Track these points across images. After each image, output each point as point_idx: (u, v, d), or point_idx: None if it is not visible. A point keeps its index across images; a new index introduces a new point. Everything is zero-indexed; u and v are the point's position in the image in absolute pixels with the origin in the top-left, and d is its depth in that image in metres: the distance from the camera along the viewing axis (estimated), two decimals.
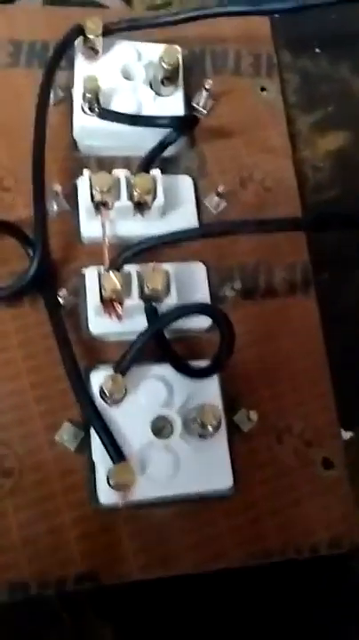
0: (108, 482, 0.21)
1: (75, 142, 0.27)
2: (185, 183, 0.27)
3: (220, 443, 0.22)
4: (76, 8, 0.30)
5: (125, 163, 0.27)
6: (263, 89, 0.30)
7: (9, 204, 0.25)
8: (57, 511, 0.22)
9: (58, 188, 0.24)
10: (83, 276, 0.24)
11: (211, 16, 0.26)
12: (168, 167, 0.27)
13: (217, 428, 0.21)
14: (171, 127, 0.25)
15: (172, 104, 0.27)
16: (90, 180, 0.24)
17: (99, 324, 0.23)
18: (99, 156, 0.27)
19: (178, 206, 0.26)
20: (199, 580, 0.22)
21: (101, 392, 0.22)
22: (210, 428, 0.21)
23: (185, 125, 0.25)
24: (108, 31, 0.26)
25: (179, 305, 0.23)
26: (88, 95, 0.25)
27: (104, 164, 0.27)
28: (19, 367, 0.23)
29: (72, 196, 0.25)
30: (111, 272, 0.22)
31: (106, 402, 0.22)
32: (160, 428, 0.22)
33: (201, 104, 0.28)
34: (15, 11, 0.29)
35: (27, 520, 0.21)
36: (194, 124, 0.26)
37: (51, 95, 0.26)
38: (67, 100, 0.27)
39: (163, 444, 0.21)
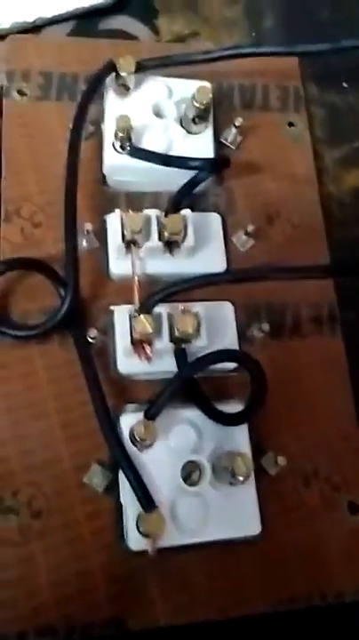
0: (138, 529, 0.21)
1: (104, 177, 0.27)
2: (214, 221, 0.27)
3: (249, 489, 0.22)
4: (105, 40, 0.30)
5: (154, 198, 0.27)
6: (291, 124, 0.30)
7: (39, 239, 0.25)
8: (85, 554, 0.22)
9: (89, 226, 0.24)
10: (112, 313, 0.24)
11: (244, 56, 0.26)
12: (196, 203, 0.27)
13: (247, 478, 0.21)
14: (203, 169, 0.25)
15: (202, 142, 0.27)
16: (121, 219, 0.24)
17: (127, 364, 0.23)
18: (129, 191, 0.27)
19: (207, 244, 0.26)
20: (223, 626, 0.22)
21: (132, 436, 0.22)
22: (241, 478, 0.21)
23: (217, 168, 0.25)
24: (141, 68, 0.26)
25: (212, 351, 0.23)
26: (120, 134, 0.25)
27: (133, 199, 0.27)
28: (48, 406, 0.23)
29: (100, 232, 0.25)
30: (142, 315, 0.22)
31: (135, 446, 0.22)
32: (189, 473, 0.22)
33: (230, 140, 0.28)
34: (45, 41, 0.30)
35: (56, 563, 0.21)
36: (225, 166, 0.26)
37: None
38: (97, 134, 0.27)
39: (192, 490, 0.21)
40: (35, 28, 0.31)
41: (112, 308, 0.24)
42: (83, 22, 0.32)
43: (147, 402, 0.23)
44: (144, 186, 0.27)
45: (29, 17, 0.31)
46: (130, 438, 0.22)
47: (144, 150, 0.25)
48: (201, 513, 0.21)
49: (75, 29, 0.32)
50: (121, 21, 0.32)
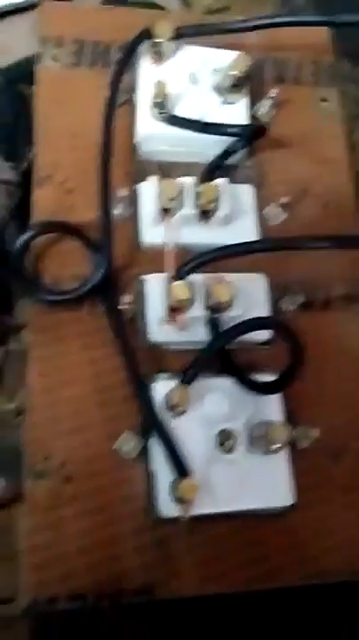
0: (170, 495, 0.20)
1: (135, 146, 0.26)
2: (246, 192, 0.26)
3: (282, 460, 0.22)
4: (138, 9, 0.30)
5: (186, 168, 0.26)
6: (323, 99, 0.29)
7: (70, 205, 0.25)
8: (115, 521, 0.21)
9: (124, 193, 0.24)
10: (143, 281, 0.24)
11: (282, 25, 0.26)
12: (227, 175, 0.26)
13: (284, 445, 0.20)
14: (240, 136, 0.25)
15: (237, 112, 0.26)
16: (157, 186, 0.23)
17: (159, 332, 0.23)
18: (160, 160, 0.26)
19: (239, 215, 0.26)
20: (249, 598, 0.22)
21: (165, 403, 0.21)
22: (277, 445, 0.20)
23: (254, 135, 0.25)
24: (176, 36, 0.26)
25: (253, 318, 0.22)
26: (157, 100, 0.24)
27: (164, 169, 0.26)
28: (79, 373, 0.23)
29: (131, 201, 0.25)
30: (178, 282, 0.22)
31: (169, 413, 0.21)
32: (222, 441, 0.21)
33: (263, 113, 0.28)
34: (78, 9, 0.29)
35: (85, 529, 0.21)
36: (262, 134, 0.25)
37: None
38: (129, 102, 0.26)
39: (227, 458, 0.21)
40: None
41: (143, 277, 0.24)
42: None
43: (177, 371, 0.23)
44: (175, 155, 0.26)
45: None
46: (163, 405, 0.22)
47: (181, 118, 0.25)
48: (234, 482, 0.21)
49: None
50: None
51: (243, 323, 0.22)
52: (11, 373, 0.26)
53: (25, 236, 0.22)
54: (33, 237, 0.23)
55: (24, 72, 0.30)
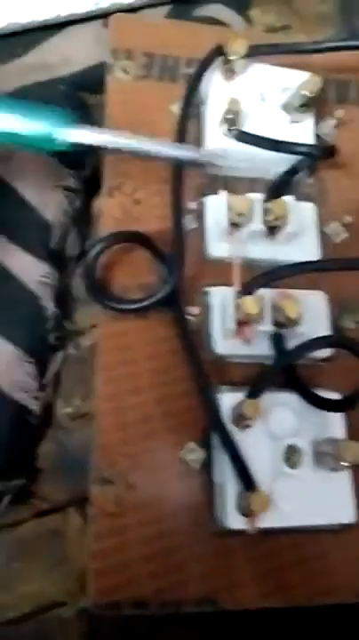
0: (238, 507, 0.21)
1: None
2: (309, 210, 0.27)
3: (345, 477, 0.22)
4: (204, 26, 0.31)
5: (250, 184, 0.27)
6: None
7: (138, 216, 0.25)
8: (177, 530, 0.22)
9: (192, 206, 0.24)
10: (208, 294, 0.24)
11: (354, 48, 0.26)
12: (289, 193, 0.27)
13: (354, 463, 0.21)
14: (311, 155, 0.25)
15: (303, 130, 0.27)
16: (227, 201, 0.24)
17: (225, 344, 0.23)
18: (226, 175, 0.27)
19: (301, 233, 0.26)
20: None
21: (233, 415, 0.22)
22: (345, 463, 0.21)
23: (325, 155, 0.25)
24: (248, 53, 0.26)
25: (324, 336, 0.23)
26: (229, 116, 0.25)
27: (229, 183, 0.27)
28: (145, 381, 0.23)
29: (199, 213, 0.26)
30: (249, 297, 0.22)
31: (236, 425, 0.22)
32: (288, 457, 0.22)
33: (326, 132, 0.28)
34: (148, 24, 0.30)
35: (149, 536, 0.21)
36: (333, 154, 0.26)
37: None
38: (196, 117, 0.27)
39: (292, 473, 0.21)
40: (131, 10, 0.32)
41: (208, 289, 0.24)
42: (179, 7, 0.32)
43: (239, 383, 0.23)
44: (241, 170, 0.27)
45: None
46: (230, 417, 0.22)
47: (252, 135, 0.25)
48: (298, 497, 0.21)
49: (169, 13, 0.32)
50: (215, 9, 0.33)
51: (320, 339, 0.22)
52: (68, 378, 0.26)
53: (99, 245, 0.23)
54: (107, 246, 0.23)
55: (86, 81, 0.31)
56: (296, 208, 0.25)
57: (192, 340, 0.23)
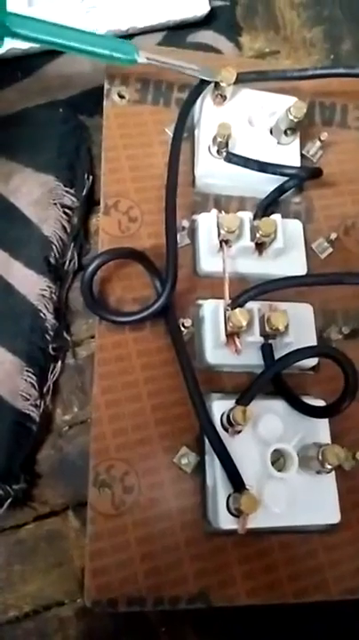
0: (228, 508, 0.22)
1: (194, 179, 0.28)
2: (296, 227, 0.28)
3: (330, 480, 0.23)
4: (198, 52, 0.32)
5: (240, 202, 0.28)
6: None
7: (134, 233, 0.27)
8: (172, 531, 0.23)
9: (185, 223, 0.26)
10: (200, 307, 0.26)
11: (339, 76, 0.28)
12: (277, 211, 0.28)
13: (338, 466, 0.22)
14: (296, 177, 0.26)
15: (289, 152, 0.28)
16: (217, 219, 0.25)
17: (216, 354, 0.25)
18: (216, 194, 0.28)
19: (289, 249, 0.27)
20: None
21: (224, 421, 0.23)
22: (329, 467, 0.22)
23: (311, 176, 0.27)
24: (238, 80, 0.28)
25: (309, 346, 0.24)
26: (219, 139, 0.26)
27: (219, 202, 0.28)
28: (140, 389, 0.24)
29: (190, 230, 0.27)
30: (238, 309, 0.23)
31: (226, 431, 0.23)
32: (274, 460, 0.23)
33: (312, 153, 0.30)
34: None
35: (145, 537, 0.22)
36: (318, 175, 0.27)
37: None
38: (188, 139, 0.28)
39: (280, 476, 0.22)
40: (128, 36, 0.33)
41: (201, 302, 0.26)
42: (173, 34, 0.34)
43: (229, 391, 0.24)
44: (231, 190, 0.28)
45: (123, 26, 0.32)
46: (221, 423, 0.23)
47: (241, 157, 0.26)
48: (285, 499, 0.22)
49: (163, 41, 0.34)
50: (207, 36, 0.34)
51: (306, 349, 0.23)
52: (66, 386, 0.28)
53: (97, 261, 0.24)
54: (104, 262, 0.24)
55: (85, 104, 0.32)
56: (283, 225, 0.27)
57: (185, 350, 0.24)
